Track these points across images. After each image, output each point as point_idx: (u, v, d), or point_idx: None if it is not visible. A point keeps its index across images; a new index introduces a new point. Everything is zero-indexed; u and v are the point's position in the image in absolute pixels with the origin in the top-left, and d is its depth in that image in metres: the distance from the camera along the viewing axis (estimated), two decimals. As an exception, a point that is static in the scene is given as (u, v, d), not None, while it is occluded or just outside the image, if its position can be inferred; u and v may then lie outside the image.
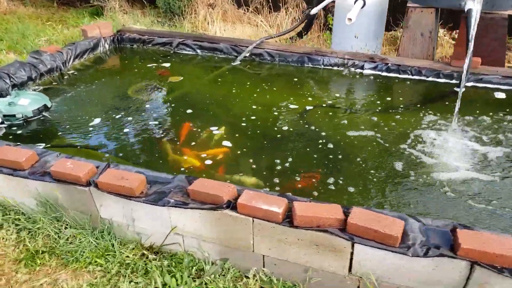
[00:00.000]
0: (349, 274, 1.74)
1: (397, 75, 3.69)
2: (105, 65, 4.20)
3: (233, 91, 3.54)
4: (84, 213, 2.13)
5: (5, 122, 2.87)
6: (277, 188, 2.34)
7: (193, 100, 3.37)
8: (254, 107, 3.24)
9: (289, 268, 1.85)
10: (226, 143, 2.75)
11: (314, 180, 2.41)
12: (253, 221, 1.78)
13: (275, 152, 2.66)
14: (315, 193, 2.30)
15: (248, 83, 3.70)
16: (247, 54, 4.09)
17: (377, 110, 3.19)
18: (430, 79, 3.59)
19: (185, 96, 3.45)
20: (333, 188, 2.34)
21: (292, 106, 3.26)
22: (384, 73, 3.72)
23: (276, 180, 2.41)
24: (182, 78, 3.75)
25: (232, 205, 1.82)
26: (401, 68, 3.64)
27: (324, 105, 3.29)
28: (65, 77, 3.79)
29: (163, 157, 2.65)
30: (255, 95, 3.45)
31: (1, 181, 2.22)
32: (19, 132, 2.88)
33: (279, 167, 2.52)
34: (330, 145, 2.73)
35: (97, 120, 3.03)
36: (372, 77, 3.73)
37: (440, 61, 3.77)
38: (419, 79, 3.63)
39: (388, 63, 3.69)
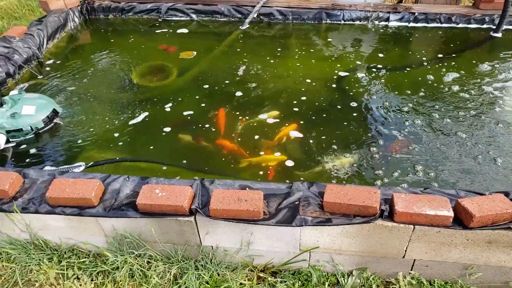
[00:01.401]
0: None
1: (425, 24, 3.58)
2: (85, 45, 3.59)
3: (256, 63, 3.19)
4: (177, 244, 1.84)
5: (11, 140, 2.33)
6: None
7: (216, 79, 3.01)
8: (289, 80, 2.99)
9: (444, 268, 1.76)
10: (294, 133, 2.47)
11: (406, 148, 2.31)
12: (413, 228, 1.62)
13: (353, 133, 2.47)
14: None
15: (267, 50, 3.37)
16: (255, 15, 3.70)
17: (424, 63, 3.08)
18: (460, 25, 3.52)
19: (205, 76, 3.06)
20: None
21: (327, 73, 3.04)
22: (411, 24, 3.58)
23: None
24: (195, 53, 3.30)
25: (384, 213, 1.64)
26: (429, 16, 3.51)
27: (362, 66, 3.09)
28: (47, 67, 3.17)
29: (228, 157, 2.34)
30: (281, 64, 3.17)
31: (61, 222, 1.81)
32: (33, 151, 2.37)
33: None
34: (406, 109, 2.60)
35: (115, 121, 2.59)
36: (399, 29, 3.58)
37: (466, 6, 3.69)
38: (449, 27, 3.55)
39: (414, 13, 3.54)
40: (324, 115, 2.60)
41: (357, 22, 3.66)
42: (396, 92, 2.79)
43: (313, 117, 2.58)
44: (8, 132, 2.32)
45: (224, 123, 2.56)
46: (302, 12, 3.66)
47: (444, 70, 2.98)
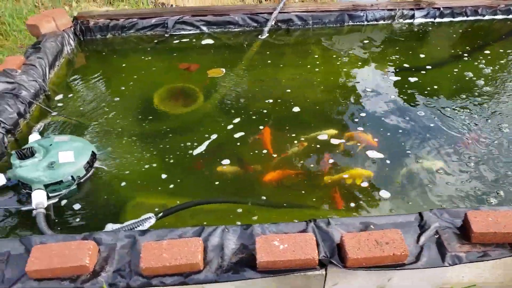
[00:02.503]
0: None
1: (451, 18, 3.52)
2: (88, 71, 3.22)
3: (289, 74, 3.00)
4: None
5: (50, 195, 1.98)
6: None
7: (252, 97, 2.78)
8: (334, 90, 2.84)
9: None
10: (372, 153, 2.28)
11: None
12: None
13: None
14: None
15: (298, 59, 3.19)
16: (273, 23, 3.49)
17: (464, 57, 3.02)
18: (486, 17, 3.50)
19: (239, 94, 2.82)
20: None
21: (369, 78, 2.91)
22: (437, 19, 3.52)
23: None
24: (223, 70, 3.04)
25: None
26: (455, 10, 3.46)
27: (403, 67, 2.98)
28: (57, 102, 2.80)
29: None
30: (320, 73, 3.00)
31: (158, 295, 1.52)
32: (77, 206, 2.02)
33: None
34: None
35: (146, 154, 2.33)
36: (425, 26, 3.51)
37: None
38: (475, 19, 3.51)
39: (439, 7, 3.48)
40: (392, 126, 2.44)
41: (381, 22, 3.55)
42: (451, 90, 2.71)
43: (381, 129, 2.41)
44: (46, 186, 1.96)
45: (270, 141, 2.34)
46: (323, 16, 3.50)
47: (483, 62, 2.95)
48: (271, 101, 2.71)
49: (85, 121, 2.59)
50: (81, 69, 3.26)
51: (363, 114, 2.55)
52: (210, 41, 3.45)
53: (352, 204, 2.00)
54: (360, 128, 2.43)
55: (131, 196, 2.12)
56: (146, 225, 1.81)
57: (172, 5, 4.32)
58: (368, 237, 1.49)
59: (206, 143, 2.38)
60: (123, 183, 2.17)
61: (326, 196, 2.05)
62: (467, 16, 3.52)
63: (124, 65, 3.23)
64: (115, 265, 1.52)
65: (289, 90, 2.80)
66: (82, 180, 2.10)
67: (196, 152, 2.32)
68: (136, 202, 2.10)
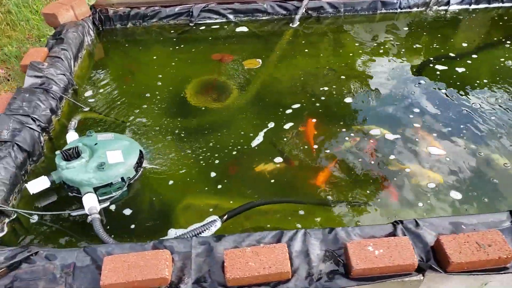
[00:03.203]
0: None
1: (487, 5, 3.44)
2: (111, 63, 3.09)
3: (329, 63, 2.90)
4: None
5: (100, 199, 1.86)
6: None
7: (287, 90, 2.66)
8: (379, 78, 2.73)
9: None
10: (434, 149, 2.19)
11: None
12: None
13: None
14: None
15: (334, 48, 3.09)
16: (303, 10, 3.37)
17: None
18: (523, 3, 3.42)
19: (282, 86, 2.70)
20: None
21: (416, 68, 2.84)
22: (473, 6, 3.43)
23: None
24: (260, 61, 2.92)
25: None
26: (491, -4, 3.38)
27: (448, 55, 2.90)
28: (90, 98, 2.66)
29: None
30: (361, 62, 2.91)
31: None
32: (127, 211, 1.91)
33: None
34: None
35: (188, 152, 2.21)
36: (462, 13, 3.42)
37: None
38: (510, 6, 3.44)
39: (474, -7, 3.39)
40: (451, 121, 2.35)
41: (415, 9, 3.44)
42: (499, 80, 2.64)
43: (441, 124, 2.32)
44: (95, 189, 1.84)
45: (313, 136, 2.25)
46: (355, 3, 3.39)
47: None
48: (316, 92, 2.60)
49: (119, 118, 2.45)
50: (103, 61, 3.11)
51: (416, 110, 2.45)
52: (244, 29, 3.31)
53: (420, 204, 1.91)
54: (417, 125, 2.32)
55: (180, 198, 2.01)
56: (212, 229, 1.71)
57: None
58: (467, 239, 1.41)
59: (260, 136, 2.26)
60: (171, 182, 2.05)
61: (387, 194, 1.96)
62: (503, 2, 3.43)
63: (148, 57, 3.09)
64: (193, 276, 1.42)
65: (330, 81, 2.69)
66: (132, 182, 1.97)
67: (252, 144, 2.21)
68: (186, 204, 1.99)
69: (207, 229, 1.69)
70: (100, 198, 1.86)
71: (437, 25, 3.31)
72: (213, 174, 2.08)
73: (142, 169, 2.04)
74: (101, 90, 2.72)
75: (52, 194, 1.96)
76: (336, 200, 1.93)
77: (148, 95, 2.67)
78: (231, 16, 3.42)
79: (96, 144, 1.97)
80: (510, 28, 3.24)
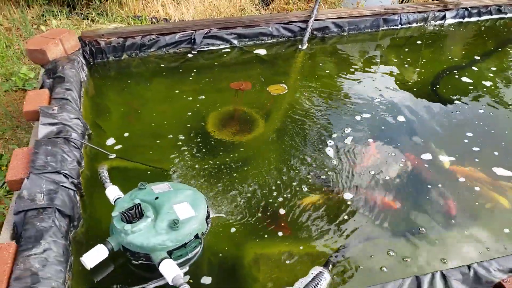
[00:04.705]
0: None
1: (478, 18, 3.59)
2: (112, 103, 2.75)
3: (361, 83, 2.83)
4: None
5: (177, 262, 1.57)
6: None
7: (316, 118, 2.53)
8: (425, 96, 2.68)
9: None
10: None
11: None
12: None
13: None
14: None
15: (354, 66, 3.03)
16: (310, 31, 3.29)
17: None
18: (508, 15, 3.61)
19: (312, 115, 2.56)
20: None
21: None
22: (466, 19, 3.56)
23: None
24: (285, 86, 2.76)
25: None
26: (481, 10, 3.53)
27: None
28: (110, 144, 2.33)
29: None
30: (384, 80, 2.86)
31: None
32: (207, 281, 1.64)
33: None
34: None
35: (234, 192, 2.01)
36: (457, 26, 3.54)
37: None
38: (499, 17, 3.62)
39: (467, 8, 3.53)
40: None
41: (414, 25, 3.49)
42: None
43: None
44: (169, 253, 1.55)
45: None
46: (359, 22, 3.37)
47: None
48: (334, 117, 2.49)
49: (152, 164, 2.15)
50: (100, 100, 2.76)
51: (469, 134, 2.39)
52: (262, 52, 3.14)
53: None
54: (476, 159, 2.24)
55: (249, 247, 1.77)
56: (323, 284, 1.49)
57: (170, 20, 3.91)
58: None
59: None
60: (233, 230, 1.81)
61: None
62: (492, 15, 3.60)
63: (151, 91, 2.81)
64: None
65: (367, 100, 2.60)
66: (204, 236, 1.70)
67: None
68: (258, 255, 1.75)
69: (317, 284, 1.47)
70: (179, 261, 1.57)
71: (440, 38, 3.38)
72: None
73: (210, 219, 1.76)
74: (109, 133, 2.38)
75: (109, 264, 1.63)
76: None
77: (170, 136, 2.39)
78: (235, 41, 3.24)
79: (157, 198, 1.68)
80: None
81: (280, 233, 1.80)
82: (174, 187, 1.78)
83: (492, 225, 1.83)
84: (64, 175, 1.80)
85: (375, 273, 1.61)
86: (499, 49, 3.20)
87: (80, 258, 1.54)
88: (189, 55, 3.15)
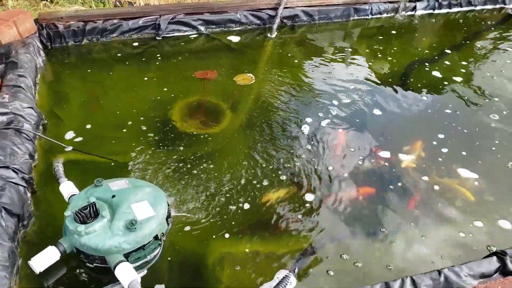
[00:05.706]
0: None
1: (448, 10, 3.59)
2: (73, 90, 2.60)
3: (330, 80, 2.77)
4: None
5: (135, 266, 1.50)
6: None
7: (287, 110, 2.48)
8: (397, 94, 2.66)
9: None
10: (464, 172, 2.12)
11: None
12: None
13: None
14: None
15: (325, 56, 2.97)
16: (279, 19, 3.20)
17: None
18: (478, 7, 3.64)
19: (279, 107, 2.50)
20: None
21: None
22: (436, 11, 3.56)
23: None
24: (252, 76, 2.68)
25: None
26: (452, 1, 3.54)
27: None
28: (74, 139, 2.20)
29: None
30: (353, 70, 2.82)
31: None
32: None
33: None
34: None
35: (200, 189, 1.94)
36: (428, 17, 3.54)
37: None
38: (469, 10, 3.64)
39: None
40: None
41: (385, 15, 3.47)
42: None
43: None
44: (126, 255, 1.47)
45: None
46: (329, 11, 3.32)
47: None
48: (330, 102, 2.44)
49: (111, 157, 2.04)
50: (60, 87, 2.60)
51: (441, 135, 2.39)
52: (236, 39, 3.03)
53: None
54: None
55: (214, 247, 1.71)
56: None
57: (140, 4, 3.73)
58: None
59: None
60: (195, 229, 1.74)
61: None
62: (462, 7, 3.62)
63: (112, 79, 2.68)
64: None
65: (342, 89, 2.56)
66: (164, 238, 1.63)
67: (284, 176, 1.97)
68: (223, 254, 1.69)
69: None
70: (133, 265, 1.49)
71: (412, 29, 3.37)
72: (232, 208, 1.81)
73: (171, 219, 1.68)
74: (68, 123, 2.25)
75: (61, 267, 1.54)
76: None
77: (130, 123, 2.28)
78: (202, 28, 3.12)
79: (113, 196, 1.58)
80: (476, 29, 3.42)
81: (246, 232, 1.74)
82: (133, 184, 1.69)
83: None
84: (13, 170, 1.67)
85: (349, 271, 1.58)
86: (468, 42, 3.22)
87: (28, 261, 1.43)
88: (154, 42, 3.01)
